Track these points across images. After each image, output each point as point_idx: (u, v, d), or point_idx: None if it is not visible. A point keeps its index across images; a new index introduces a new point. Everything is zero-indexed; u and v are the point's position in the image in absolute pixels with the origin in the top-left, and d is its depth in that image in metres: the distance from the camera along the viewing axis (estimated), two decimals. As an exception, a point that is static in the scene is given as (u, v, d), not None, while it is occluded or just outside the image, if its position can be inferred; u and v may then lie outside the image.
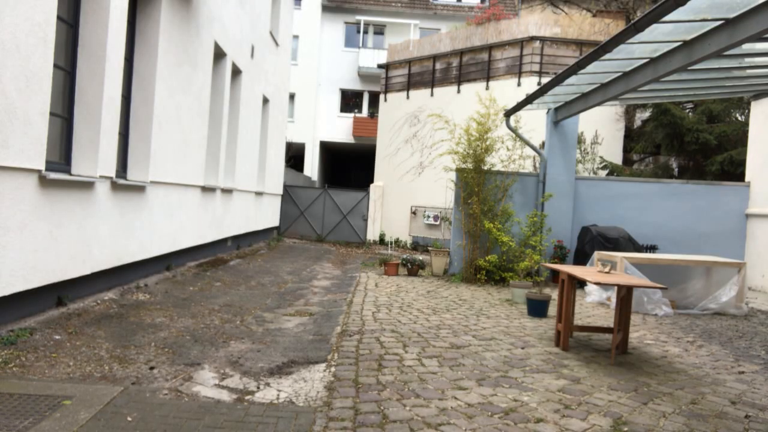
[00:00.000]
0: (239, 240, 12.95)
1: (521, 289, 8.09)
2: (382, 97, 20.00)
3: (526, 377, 4.48)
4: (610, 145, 15.37)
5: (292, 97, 25.16)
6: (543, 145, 11.81)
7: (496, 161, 10.70)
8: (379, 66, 20.98)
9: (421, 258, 11.13)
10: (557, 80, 7.97)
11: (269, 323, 5.99)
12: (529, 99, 9.44)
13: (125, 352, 4.47)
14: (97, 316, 5.45)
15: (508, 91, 15.35)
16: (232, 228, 11.87)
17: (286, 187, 18.48)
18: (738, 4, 5.05)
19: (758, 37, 5.16)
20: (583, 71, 7.31)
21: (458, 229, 10.70)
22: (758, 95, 10.78)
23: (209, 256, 10.68)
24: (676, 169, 15.83)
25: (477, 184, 10.35)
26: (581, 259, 9.80)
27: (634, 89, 7.56)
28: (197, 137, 9.28)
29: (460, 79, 17.27)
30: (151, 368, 4.15)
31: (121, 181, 6.49)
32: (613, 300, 7.46)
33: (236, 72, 11.64)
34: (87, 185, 5.72)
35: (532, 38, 15.71)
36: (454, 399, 3.87)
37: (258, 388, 3.92)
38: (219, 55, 10.36)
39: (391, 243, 16.19)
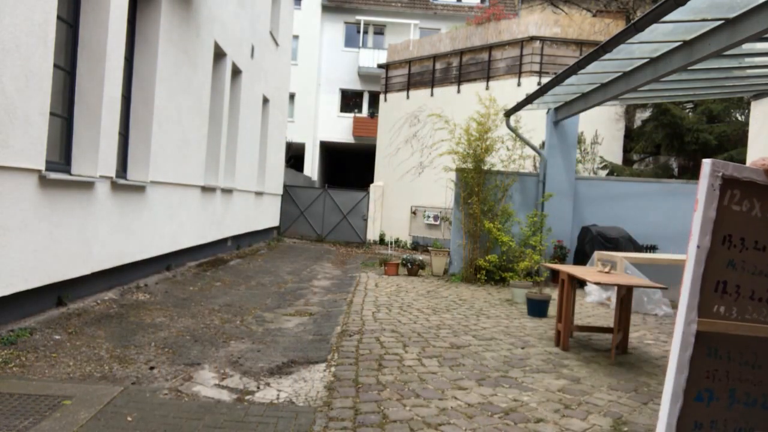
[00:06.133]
0: (239, 240, 12.95)
1: (521, 289, 8.09)
2: (382, 97, 20.00)
3: (526, 377, 4.48)
4: (610, 145, 15.37)
5: (292, 97, 25.13)
6: (543, 145, 11.81)
7: (496, 161, 10.70)
8: (379, 66, 20.98)
9: (421, 258, 11.13)
10: (557, 80, 7.97)
11: (269, 323, 5.99)
12: (529, 99, 9.44)
13: (125, 352, 4.47)
14: (97, 316, 5.45)
15: (508, 91, 15.35)
16: (232, 228, 11.87)
17: (286, 187, 18.47)
18: (738, 4, 5.04)
19: (758, 37, 5.15)
20: (583, 71, 7.31)
21: (458, 229, 10.69)
22: (758, 95, 10.76)
23: (209, 256, 10.68)
24: (676, 169, 15.83)
25: (477, 184, 10.35)
26: (581, 259, 9.79)
27: (634, 89, 7.55)
28: (197, 137, 9.28)
29: (460, 79, 17.26)
30: (151, 368, 4.15)
31: (121, 181, 6.49)
32: (613, 300, 7.46)
33: (236, 72, 11.64)
34: (87, 185, 5.72)
35: (532, 38, 15.71)
36: (454, 399, 3.87)
37: (258, 388, 3.92)
38: (219, 55, 10.36)
39: (391, 243, 16.19)
